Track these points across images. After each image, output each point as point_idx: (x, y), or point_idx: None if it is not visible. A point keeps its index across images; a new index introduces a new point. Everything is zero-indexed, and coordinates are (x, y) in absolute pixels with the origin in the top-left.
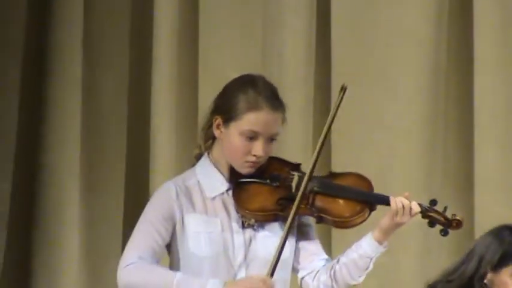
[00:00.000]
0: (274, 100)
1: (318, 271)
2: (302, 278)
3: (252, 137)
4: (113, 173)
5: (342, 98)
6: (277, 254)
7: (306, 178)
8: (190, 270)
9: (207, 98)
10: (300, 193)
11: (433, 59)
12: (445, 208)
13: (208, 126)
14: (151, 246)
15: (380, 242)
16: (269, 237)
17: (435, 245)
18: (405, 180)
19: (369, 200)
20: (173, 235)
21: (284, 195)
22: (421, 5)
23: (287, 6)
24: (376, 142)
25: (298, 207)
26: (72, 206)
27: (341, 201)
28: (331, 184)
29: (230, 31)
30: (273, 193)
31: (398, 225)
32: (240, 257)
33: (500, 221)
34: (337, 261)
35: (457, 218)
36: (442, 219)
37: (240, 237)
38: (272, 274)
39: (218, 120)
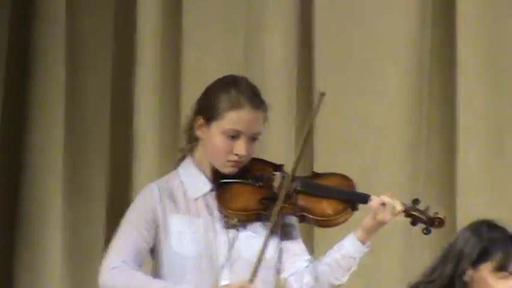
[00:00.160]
0: (256, 99)
1: (301, 272)
2: (285, 279)
3: (234, 136)
4: (95, 174)
5: (319, 105)
6: (260, 253)
7: (289, 178)
8: (174, 269)
9: (190, 100)
10: (283, 192)
11: (416, 61)
12: (428, 207)
13: (191, 127)
14: (134, 249)
15: (363, 242)
16: (252, 237)
17: (418, 245)
18: (388, 181)
19: (351, 199)
20: (156, 237)
21: (267, 195)
22: (404, 7)
23: (270, 7)
24: (360, 143)
25: (281, 207)
26: (55, 207)
27: (324, 200)
28: (314, 184)
29: (213, 33)
30: (255, 193)
31: (380, 224)
32: (223, 257)
33: None
34: (320, 262)
35: (439, 216)
36: (424, 218)
37: (223, 237)
38: (255, 273)
39: (200, 120)
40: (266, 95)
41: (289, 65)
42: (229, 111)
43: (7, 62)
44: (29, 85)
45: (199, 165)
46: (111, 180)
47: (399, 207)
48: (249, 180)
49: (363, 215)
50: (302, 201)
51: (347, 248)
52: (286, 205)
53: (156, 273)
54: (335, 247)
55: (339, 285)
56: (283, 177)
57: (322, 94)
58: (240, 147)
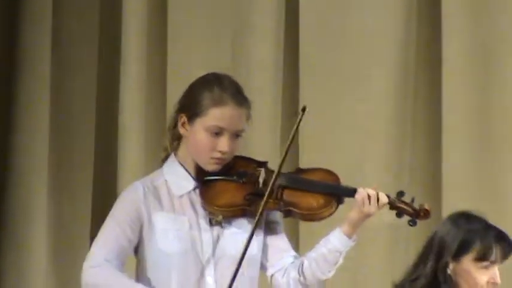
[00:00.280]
0: (239, 96)
1: (287, 268)
2: (272, 276)
3: (217, 132)
4: (81, 173)
5: (301, 119)
6: (244, 248)
7: (275, 173)
8: (159, 267)
9: (175, 98)
10: (269, 186)
11: (401, 60)
12: (413, 199)
13: (174, 125)
14: (117, 247)
15: (349, 236)
16: (237, 234)
17: (403, 239)
18: (374, 180)
19: (336, 192)
20: (141, 235)
21: (251, 191)
22: (389, 6)
23: (256, 7)
24: (345, 142)
25: (266, 202)
26: (40, 206)
27: (309, 194)
28: (298, 178)
29: (199, 31)
30: (240, 189)
31: (366, 216)
32: (208, 254)
33: None
34: (307, 257)
35: (425, 207)
36: (409, 209)
37: (207, 234)
38: (238, 269)
39: (183, 118)
40: (252, 95)
41: (275, 65)
42: (212, 108)
43: None
44: (14, 84)
45: (183, 163)
46: (96, 178)
47: (384, 199)
48: (233, 177)
49: (348, 209)
50: (287, 196)
51: (333, 242)
52: (272, 200)
53: (141, 271)
54: (321, 242)
55: (325, 280)
56: (267, 173)
57: (304, 109)
58: (223, 143)
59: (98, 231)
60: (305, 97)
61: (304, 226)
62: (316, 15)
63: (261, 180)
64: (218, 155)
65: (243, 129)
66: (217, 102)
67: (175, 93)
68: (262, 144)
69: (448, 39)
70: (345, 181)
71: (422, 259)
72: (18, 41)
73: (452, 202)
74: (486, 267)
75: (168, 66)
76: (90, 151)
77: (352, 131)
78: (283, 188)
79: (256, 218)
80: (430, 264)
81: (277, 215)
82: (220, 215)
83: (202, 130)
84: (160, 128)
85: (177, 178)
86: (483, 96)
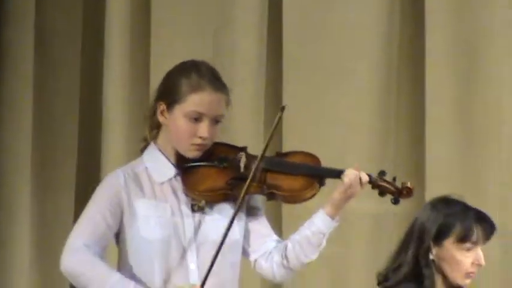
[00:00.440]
0: (217, 82)
1: (270, 252)
2: (255, 261)
3: (197, 118)
4: (64, 170)
5: (280, 117)
6: (225, 232)
7: (259, 157)
8: (141, 254)
9: None
10: (253, 170)
11: (385, 53)
12: (394, 178)
13: (153, 113)
14: (97, 232)
15: (332, 217)
16: (219, 220)
17: (386, 233)
18: None
19: (318, 174)
20: (122, 222)
21: (233, 175)
22: (372, 1)
23: (239, 2)
24: (328, 135)
25: (248, 186)
26: (24, 204)
27: (291, 176)
28: (280, 161)
29: (182, 26)
30: (221, 174)
31: (349, 197)
32: (190, 240)
33: None
34: (290, 240)
35: (407, 185)
36: (392, 188)
37: (189, 220)
38: (217, 253)
39: (162, 106)
40: (235, 88)
41: (258, 59)
42: (191, 94)
43: None
44: None
45: (163, 151)
46: (79, 175)
47: (365, 178)
48: (214, 163)
49: (330, 190)
50: (269, 179)
51: (317, 223)
52: (254, 184)
53: (123, 259)
54: (305, 224)
55: (308, 263)
56: (247, 158)
57: (283, 108)
58: (203, 129)
59: None
60: (288, 91)
61: (287, 210)
62: (300, 9)
63: (242, 164)
64: (198, 141)
65: (222, 114)
66: (196, 88)
67: None
68: (246, 136)
69: (431, 32)
70: None
71: (403, 246)
72: (1, 39)
73: (436, 194)
74: (469, 249)
75: (152, 62)
76: (74, 149)
77: (335, 124)
78: (266, 171)
79: (238, 201)
80: (411, 251)
81: (258, 201)
82: (202, 200)
83: (181, 117)
84: (144, 125)
85: (157, 165)
86: (466, 90)
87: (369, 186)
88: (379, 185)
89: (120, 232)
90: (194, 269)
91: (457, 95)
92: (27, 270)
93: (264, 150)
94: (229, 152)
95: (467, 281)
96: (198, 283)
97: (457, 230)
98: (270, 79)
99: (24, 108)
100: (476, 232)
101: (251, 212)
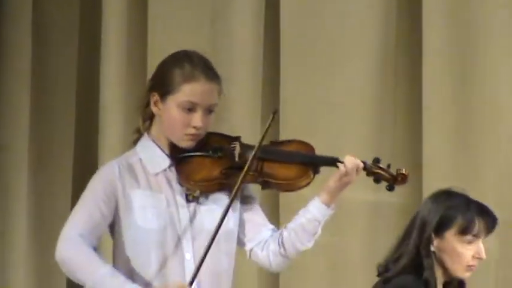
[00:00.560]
0: (209, 72)
1: (266, 241)
2: (251, 250)
3: (190, 108)
4: (61, 164)
5: (272, 120)
6: (220, 221)
7: (256, 147)
8: (137, 244)
9: None
10: (244, 160)
11: (382, 42)
12: (389, 165)
13: (146, 104)
14: (92, 222)
15: (327, 205)
16: (214, 210)
17: (383, 225)
18: None
19: (313, 162)
20: (117, 212)
21: (228, 165)
22: None
23: None
24: (325, 124)
25: (244, 175)
26: (21, 197)
27: (286, 165)
28: (274, 150)
29: (180, 23)
30: (216, 164)
31: (345, 185)
32: (185, 230)
33: None
34: (286, 228)
35: (402, 172)
36: (387, 174)
37: (184, 210)
38: (211, 242)
39: (155, 96)
40: (232, 84)
41: (256, 55)
42: (184, 84)
43: None
44: None
45: (156, 142)
46: (76, 171)
47: (360, 164)
48: (209, 152)
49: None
50: (264, 167)
51: (312, 211)
52: (250, 173)
53: (118, 251)
54: (300, 212)
55: (304, 251)
56: (242, 147)
57: (275, 112)
58: (197, 119)
59: None
60: (286, 79)
61: (284, 199)
62: (297, 2)
63: (236, 154)
64: (192, 131)
65: (215, 103)
66: (189, 78)
67: None
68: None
69: (428, 20)
70: None
71: (404, 238)
72: None
73: (433, 181)
74: (470, 242)
75: (149, 59)
76: (71, 143)
77: (332, 113)
78: (261, 160)
79: (234, 190)
80: (412, 242)
81: (252, 190)
82: (197, 189)
83: (175, 107)
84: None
85: (151, 156)
86: (463, 80)
87: (364, 173)
88: (374, 172)
89: (115, 223)
90: (190, 258)
91: (454, 82)
92: (24, 261)
93: (260, 142)
94: (223, 142)
95: (468, 274)
96: (187, 280)
97: (459, 221)
98: (267, 75)
99: (21, 103)
100: (478, 225)
101: (245, 202)
